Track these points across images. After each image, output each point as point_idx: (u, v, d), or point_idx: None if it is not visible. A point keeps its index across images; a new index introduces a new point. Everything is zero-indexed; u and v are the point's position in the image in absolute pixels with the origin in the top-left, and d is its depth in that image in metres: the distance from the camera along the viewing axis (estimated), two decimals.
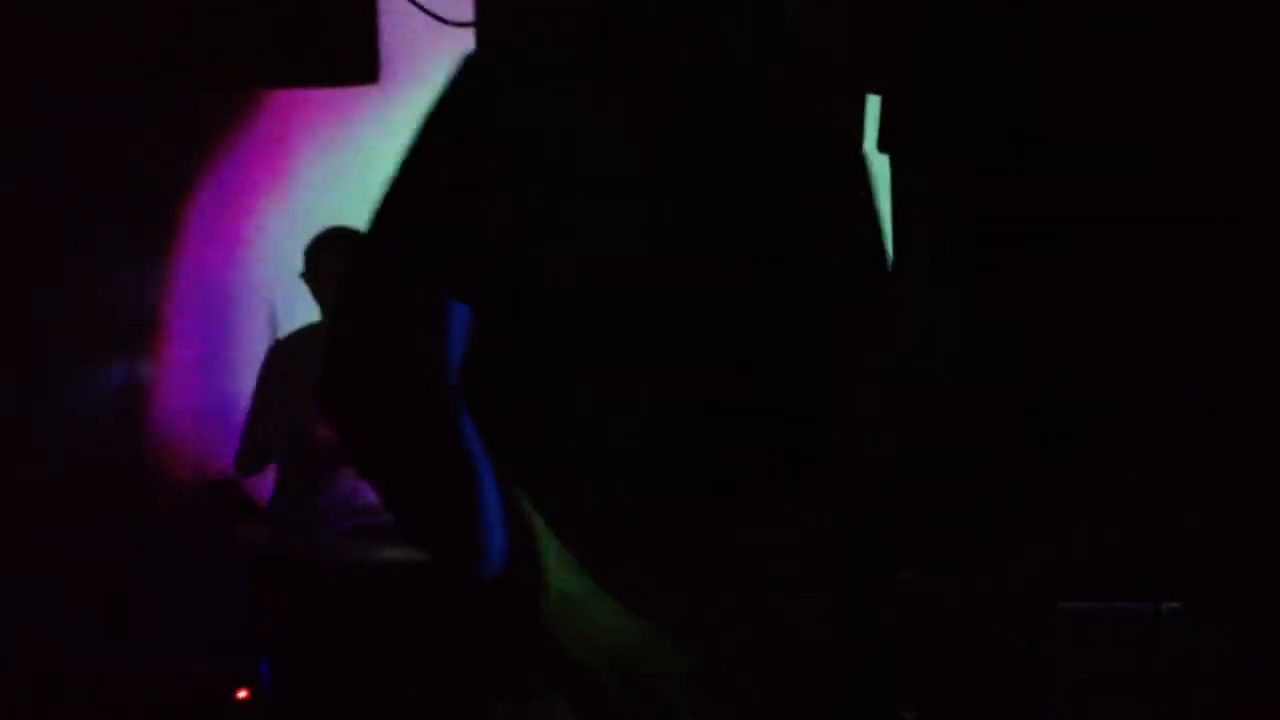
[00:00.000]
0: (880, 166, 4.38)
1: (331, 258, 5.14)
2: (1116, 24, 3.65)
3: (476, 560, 1.82)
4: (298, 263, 5.20)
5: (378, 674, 3.86)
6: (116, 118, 4.88)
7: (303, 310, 5.22)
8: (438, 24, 4.86)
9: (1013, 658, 3.40)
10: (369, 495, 4.64)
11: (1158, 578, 3.37)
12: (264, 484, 5.12)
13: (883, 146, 3.97)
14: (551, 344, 1.92)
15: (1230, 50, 3.60)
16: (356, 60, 4.93)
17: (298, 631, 4.04)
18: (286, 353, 5.25)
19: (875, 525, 2.04)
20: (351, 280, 1.94)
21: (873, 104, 4.06)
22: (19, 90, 4.68)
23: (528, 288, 1.89)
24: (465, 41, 4.87)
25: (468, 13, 4.83)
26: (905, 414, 2.20)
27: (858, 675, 1.98)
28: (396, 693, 3.90)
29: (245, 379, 5.27)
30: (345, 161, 5.51)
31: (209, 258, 5.39)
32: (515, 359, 1.92)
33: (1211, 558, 3.41)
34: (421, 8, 4.85)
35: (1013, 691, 3.43)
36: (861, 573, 2.02)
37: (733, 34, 2.02)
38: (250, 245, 5.47)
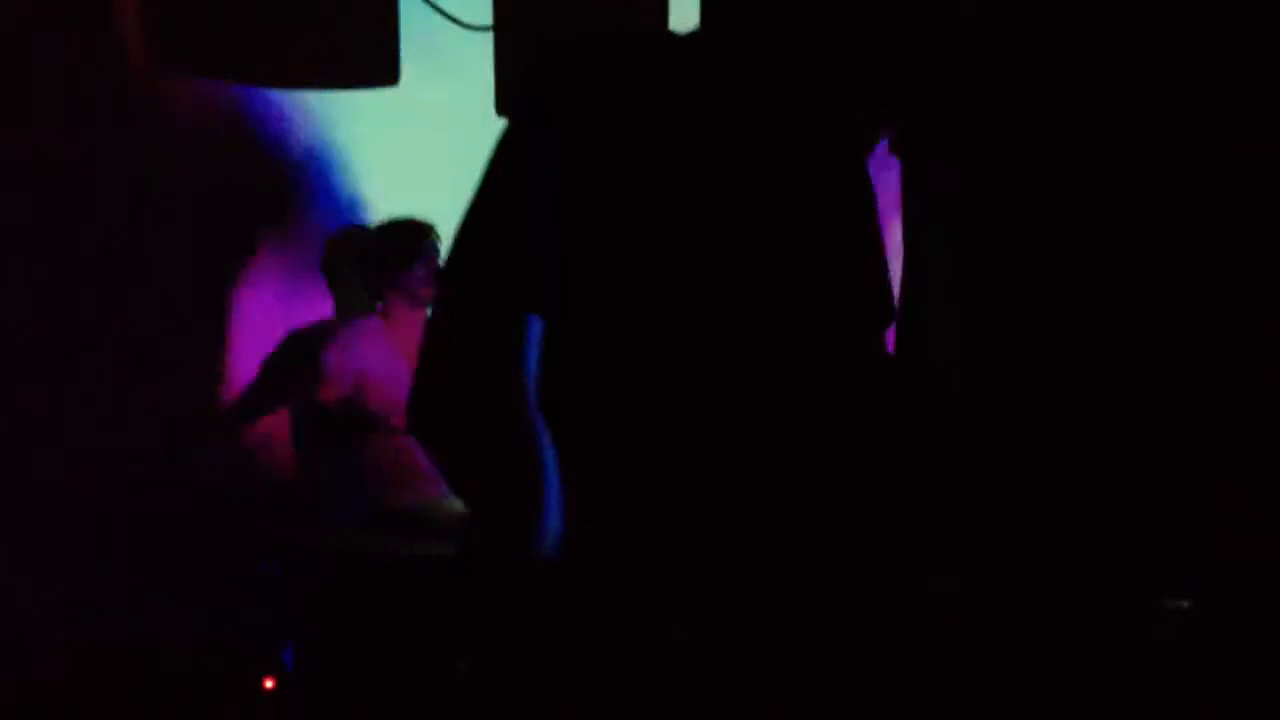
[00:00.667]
0: (891, 170, 4.44)
1: (340, 256, 5.26)
2: (1125, 27, 3.68)
3: (529, 544, 1.93)
4: None
5: (399, 664, 3.93)
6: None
7: None
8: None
9: (1024, 659, 3.44)
10: (380, 488, 4.76)
11: (1164, 577, 3.41)
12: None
13: (895, 150, 4.01)
14: (594, 350, 2.04)
15: (1235, 53, 3.63)
16: (378, 62, 4.99)
17: (320, 620, 4.12)
18: (298, 345, 5.37)
19: (890, 528, 2.11)
20: (436, 300, 2.07)
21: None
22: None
23: (580, 297, 2.01)
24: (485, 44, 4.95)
25: (487, 16, 4.92)
26: (915, 415, 2.26)
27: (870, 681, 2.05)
28: (417, 683, 3.97)
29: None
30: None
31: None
32: (565, 364, 2.03)
33: (1217, 557, 3.45)
34: (441, 11, 4.93)
35: (1024, 691, 3.47)
36: (878, 581, 2.09)
37: (754, 48, 2.09)
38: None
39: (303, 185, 5.51)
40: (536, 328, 1.99)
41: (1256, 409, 3.50)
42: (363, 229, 5.31)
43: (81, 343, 5.02)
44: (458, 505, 4.73)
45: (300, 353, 5.30)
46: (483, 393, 1.97)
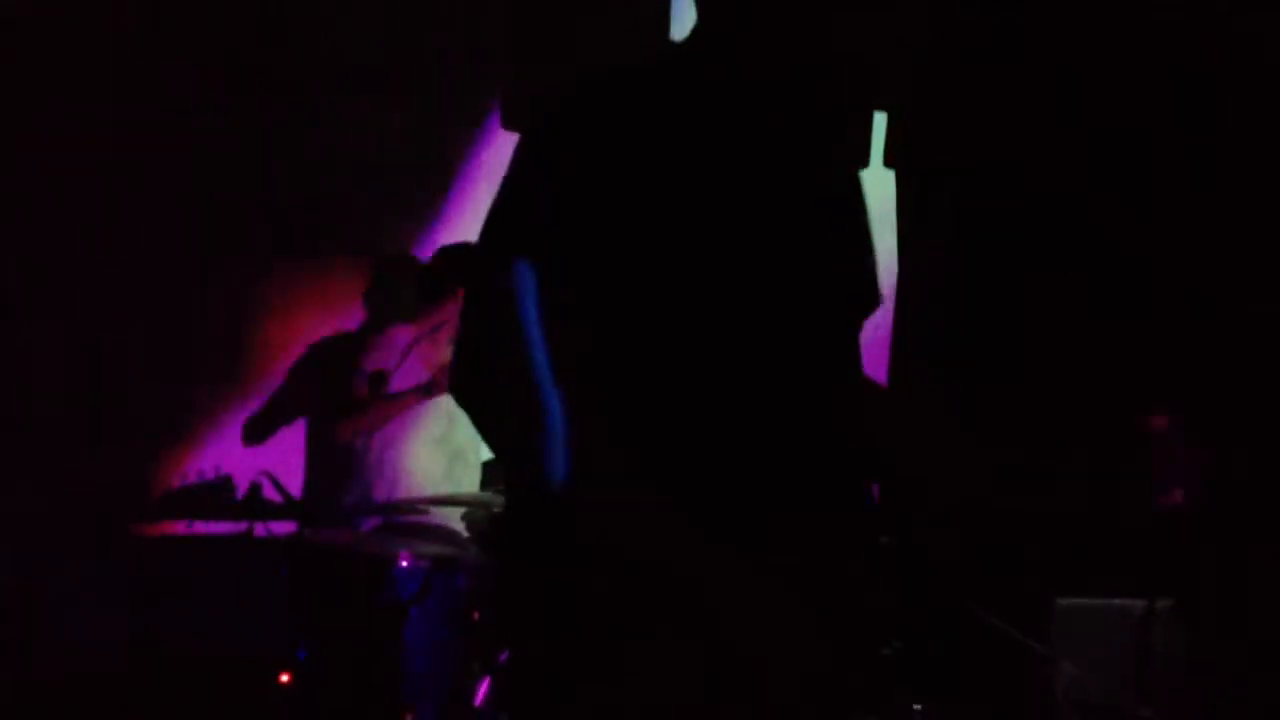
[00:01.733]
0: (886, 180, 4.46)
1: (391, 278, 5.32)
2: (1124, 27, 3.69)
3: (543, 483, 2.02)
4: None
5: (407, 659, 3.96)
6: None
7: None
8: None
9: (1012, 651, 3.44)
10: (386, 494, 4.76)
11: (1150, 575, 3.42)
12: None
13: (889, 161, 4.03)
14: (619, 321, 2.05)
15: (1235, 53, 3.64)
16: None
17: (333, 618, 4.14)
18: (319, 353, 5.41)
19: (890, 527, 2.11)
20: (470, 276, 2.17)
21: (879, 120, 4.14)
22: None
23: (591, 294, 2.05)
24: None
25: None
26: (914, 415, 2.26)
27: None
28: (424, 677, 3.99)
29: None
30: None
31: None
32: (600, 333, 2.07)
33: (1201, 556, 3.46)
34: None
35: (1013, 684, 3.47)
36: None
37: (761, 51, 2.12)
38: None
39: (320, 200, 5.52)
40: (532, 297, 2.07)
41: (1258, 409, 3.51)
42: (414, 257, 5.38)
43: (82, 343, 5.01)
44: (453, 509, 4.76)
45: (320, 362, 5.36)
46: (510, 360, 2.06)
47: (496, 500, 4.29)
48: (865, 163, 4.10)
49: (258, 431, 5.45)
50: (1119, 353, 3.65)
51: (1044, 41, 3.80)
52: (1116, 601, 3.53)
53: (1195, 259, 3.54)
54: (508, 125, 4.83)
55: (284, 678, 4.10)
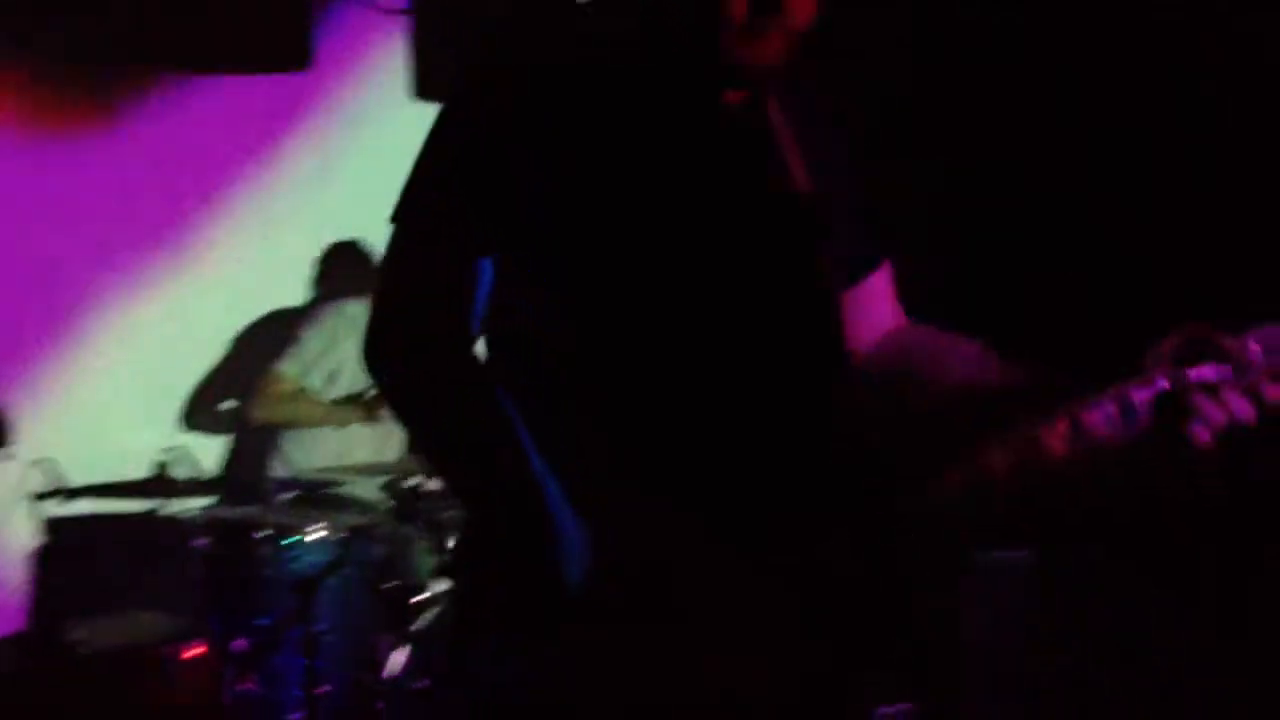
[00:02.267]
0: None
1: (337, 267, 5.28)
2: (1124, 27, 3.69)
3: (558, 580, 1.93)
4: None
5: (320, 630, 3.95)
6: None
7: None
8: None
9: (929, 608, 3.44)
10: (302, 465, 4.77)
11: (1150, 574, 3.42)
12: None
13: (870, 155, 4.01)
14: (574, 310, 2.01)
15: (1235, 53, 3.64)
16: (289, 47, 4.87)
17: (245, 592, 4.13)
18: (251, 331, 5.43)
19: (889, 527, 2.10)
20: (391, 243, 2.05)
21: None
22: None
23: (550, 250, 1.99)
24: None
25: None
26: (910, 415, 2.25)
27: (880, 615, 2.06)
28: (337, 647, 3.98)
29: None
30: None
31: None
32: (541, 321, 2.02)
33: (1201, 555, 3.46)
34: None
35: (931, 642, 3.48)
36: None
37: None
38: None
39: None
40: (486, 275, 2.01)
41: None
42: (359, 242, 5.34)
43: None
44: (377, 479, 4.73)
45: (253, 341, 5.38)
46: (430, 331, 2.00)
47: (413, 467, 4.27)
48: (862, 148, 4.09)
49: (201, 408, 5.46)
50: (1119, 352, 3.63)
51: (1044, 41, 3.80)
52: (1015, 554, 3.54)
53: (1195, 259, 3.53)
54: (424, 95, 4.68)
55: (196, 652, 4.11)
